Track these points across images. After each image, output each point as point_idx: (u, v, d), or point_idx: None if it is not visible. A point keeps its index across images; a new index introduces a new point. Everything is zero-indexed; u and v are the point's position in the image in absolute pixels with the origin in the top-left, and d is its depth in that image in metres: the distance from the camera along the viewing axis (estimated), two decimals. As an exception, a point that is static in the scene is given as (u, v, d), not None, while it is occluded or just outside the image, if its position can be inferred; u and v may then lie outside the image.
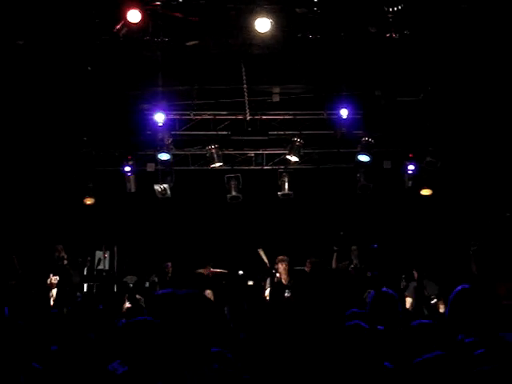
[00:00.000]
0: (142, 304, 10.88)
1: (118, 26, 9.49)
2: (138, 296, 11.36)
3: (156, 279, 12.45)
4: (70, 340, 4.64)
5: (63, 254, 11.63)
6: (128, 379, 3.98)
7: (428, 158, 13.42)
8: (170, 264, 12.38)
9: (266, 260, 11.64)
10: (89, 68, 11.11)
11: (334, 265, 12.41)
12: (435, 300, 11.27)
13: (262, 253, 11.69)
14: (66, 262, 11.61)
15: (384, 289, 6.02)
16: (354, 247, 12.28)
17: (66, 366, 4.26)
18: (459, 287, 4.43)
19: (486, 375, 3.64)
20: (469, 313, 4.24)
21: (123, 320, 4.74)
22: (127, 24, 9.36)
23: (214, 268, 12.13)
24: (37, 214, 13.34)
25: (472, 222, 13.13)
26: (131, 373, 4.02)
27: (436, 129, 13.00)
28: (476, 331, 4.16)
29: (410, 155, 13.59)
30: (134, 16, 9.32)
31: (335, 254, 12.29)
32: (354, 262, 12.10)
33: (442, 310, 10.86)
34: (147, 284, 12.11)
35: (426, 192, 13.72)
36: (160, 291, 9.51)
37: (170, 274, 12.31)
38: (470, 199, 13.44)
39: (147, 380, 3.62)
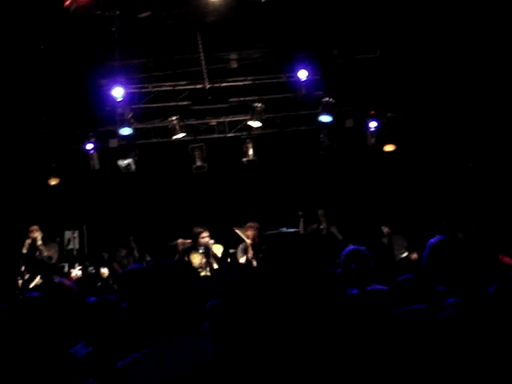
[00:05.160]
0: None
1: (68, 2, 9.34)
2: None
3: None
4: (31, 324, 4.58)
5: (37, 234, 11.54)
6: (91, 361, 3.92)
7: (389, 114, 13.50)
8: (131, 238, 12.23)
9: (243, 236, 11.44)
10: (42, 47, 10.93)
11: (301, 230, 12.47)
12: (406, 253, 11.42)
13: (238, 231, 11.51)
14: (40, 242, 11.56)
15: (355, 246, 6.05)
16: (320, 211, 12.36)
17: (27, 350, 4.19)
18: (437, 238, 4.36)
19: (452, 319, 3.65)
20: (448, 264, 4.21)
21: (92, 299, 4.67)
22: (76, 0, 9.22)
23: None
24: (2, 197, 13.20)
25: (436, 174, 13.29)
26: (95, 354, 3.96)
27: (395, 84, 13.03)
28: (454, 283, 4.16)
29: (372, 112, 13.63)
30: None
31: (301, 220, 12.35)
32: (323, 224, 12.19)
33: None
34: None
35: (389, 148, 13.76)
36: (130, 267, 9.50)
37: (134, 248, 12.20)
38: (433, 152, 13.55)
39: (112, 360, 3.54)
